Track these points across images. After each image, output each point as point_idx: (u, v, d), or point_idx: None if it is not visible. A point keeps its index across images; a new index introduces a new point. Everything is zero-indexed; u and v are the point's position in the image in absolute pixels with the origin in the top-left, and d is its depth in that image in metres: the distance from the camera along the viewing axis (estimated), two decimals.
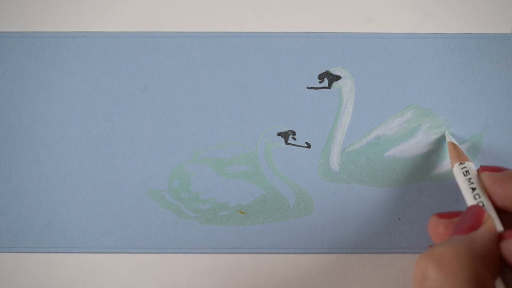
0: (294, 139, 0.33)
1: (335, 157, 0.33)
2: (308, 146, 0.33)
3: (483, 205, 0.26)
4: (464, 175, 0.28)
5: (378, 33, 0.33)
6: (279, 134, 0.33)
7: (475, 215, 0.24)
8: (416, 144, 0.33)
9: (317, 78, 0.33)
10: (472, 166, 0.29)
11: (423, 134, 0.33)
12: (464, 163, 0.29)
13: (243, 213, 0.34)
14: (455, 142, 0.31)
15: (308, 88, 0.33)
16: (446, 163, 0.33)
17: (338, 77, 0.33)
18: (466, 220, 0.24)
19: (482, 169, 0.27)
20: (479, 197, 0.26)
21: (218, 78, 0.33)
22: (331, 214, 0.33)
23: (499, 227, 0.24)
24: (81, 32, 0.33)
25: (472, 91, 0.33)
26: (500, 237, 0.23)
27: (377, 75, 0.33)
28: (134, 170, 0.33)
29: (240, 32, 0.33)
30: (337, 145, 0.33)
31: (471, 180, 0.27)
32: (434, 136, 0.33)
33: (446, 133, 0.33)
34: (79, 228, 0.34)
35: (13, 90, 0.33)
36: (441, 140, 0.33)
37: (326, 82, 0.33)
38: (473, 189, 0.27)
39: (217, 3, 0.33)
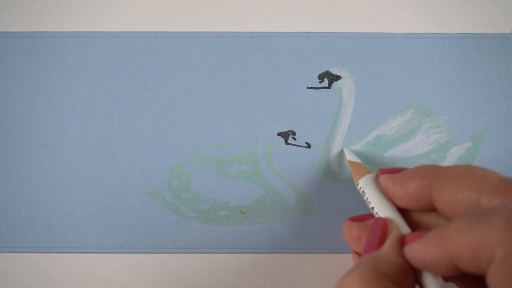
0: (294, 139, 0.33)
1: (335, 157, 0.33)
2: (308, 146, 0.33)
3: (388, 214, 0.26)
4: (364, 191, 0.28)
5: (378, 33, 0.33)
6: (279, 134, 0.33)
7: (380, 229, 0.24)
8: (416, 144, 0.33)
9: (317, 78, 0.33)
10: (371, 178, 0.28)
11: (423, 134, 0.33)
12: (359, 181, 0.28)
13: (243, 213, 0.34)
14: (351, 159, 0.31)
15: (308, 88, 0.33)
16: (446, 162, 0.33)
17: (338, 77, 0.33)
18: (372, 235, 0.24)
19: (381, 173, 0.27)
20: (382, 205, 0.26)
21: (218, 78, 0.33)
22: (331, 214, 0.33)
23: (406, 230, 0.24)
24: (81, 32, 0.33)
25: (472, 91, 0.33)
26: (403, 243, 0.23)
27: (377, 75, 0.33)
28: (134, 170, 0.33)
29: (240, 32, 0.33)
30: (337, 145, 0.33)
31: (371, 193, 0.27)
32: (434, 136, 0.33)
33: (344, 149, 0.33)
34: (79, 228, 0.34)
35: (13, 90, 0.33)
36: (441, 140, 0.33)
37: (326, 82, 0.33)
38: (375, 198, 0.27)
39: (217, 3, 0.33)
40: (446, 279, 0.23)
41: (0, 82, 0.33)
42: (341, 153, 0.33)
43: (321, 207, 0.33)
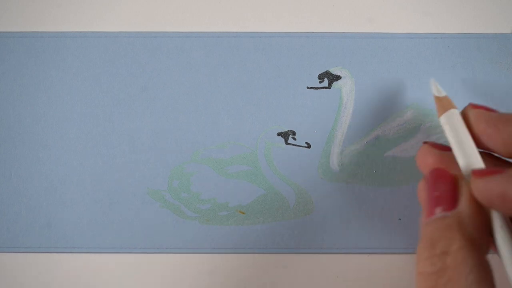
0: (294, 139, 0.33)
1: (335, 157, 0.33)
2: (308, 146, 0.33)
3: (469, 153, 0.24)
4: (445, 127, 0.26)
5: (378, 33, 0.33)
6: (279, 134, 0.33)
7: (450, 186, 0.23)
8: (416, 144, 0.33)
9: (317, 78, 0.33)
10: (455, 113, 0.26)
11: (423, 134, 0.33)
12: (441, 116, 0.27)
13: (243, 213, 0.34)
14: (437, 93, 0.28)
15: (308, 88, 0.33)
16: None
17: (338, 77, 0.33)
18: (443, 190, 0.23)
19: (472, 106, 0.26)
20: (465, 143, 0.25)
21: (218, 78, 0.33)
22: (331, 214, 0.33)
23: (481, 164, 0.23)
24: (81, 32, 0.33)
25: (472, 91, 0.33)
26: (474, 175, 0.22)
27: (377, 75, 0.33)
28: (134, 170, 0.33)
29: (240, 32, 0.33)
30: (337, 145, 0.33)
31: (457, 126, 0.25)
32: (434, 136, 0.33)
33: (431, 81, 0.29)
34: (79, 228, 0.34)
35: (13, 90, 0.33)
36: (441, 140, 0.33)
37: (326, 82, 0.33)
38: (458, 136, 0.25)
39: (217, 3, 0.33)
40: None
41: (0, 82, 0.33)
42: (341, 153, 0.33)
43: (321, 207, 0.33)
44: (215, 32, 0.33)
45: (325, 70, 0.33)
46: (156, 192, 0.33)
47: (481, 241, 0.21)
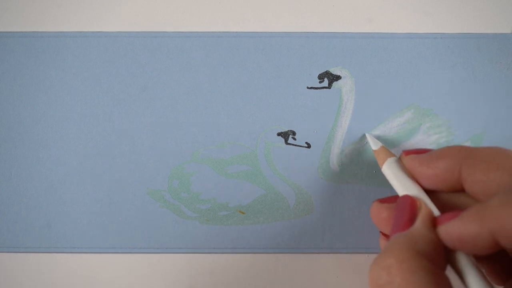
0: (294, 139, 0.33)
1: (335, 157, 0.33)
2: (308, 146, 0.33)
3: (415, 194, 0.25)
4: (388, 175, 0.27)
5: (378, 33, 0.33)
6: (279, 134, 0.33)
7: (408, 207, 0.24)
8: (416, 144, 0.33)
9: (317, 78, 0.33)
10: (394, 161, 0.28)
11: (423, 134, 0.33)
12: (383, 166, 0.28)
13: (243, 213, 0.34)
14: (376, 146, 0.30)
15: (308, 88, 0.33)
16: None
17: (338, 77, 0.33)
18: (401, 214, 0.24)
19: (405, 154, 0.27)
20: (409, 186, 0.26)
21: (218, 78, 0.33)
22: (331, 214, 0.33)
23: (436, 212, 0.24)
24: (81, 32, 0.33)
25: (472, 91, 0.33)
26: (436, 223, 0.23)
27: (377, 75, 0.33)
28: (134, 170, 0.33)
29: (240, 32, 0.33)
30: (337, 145, 0.33)
31: (398, 173, 0.27)
32: (434, 136, 0.33)
33: (367, 135, 0.32)
34: (79, 228, 0.34)
35: (13, 90, 0.33)
36: (441, 140, 0.33)
37: (326, 82, 0.33)
38: (402, 180, 0.26)
39: (217, 3, 0.33)
40: (478, 260, 0.23)
41: (0, 82, 0.33)
42: (341, 153, 0.33)
43: (321, 207, 0.33)
44: (215, 32, 0.33)
45: (325, 70, 0.33)
46: (156, 192, 0.33)
47: (433, 256, 0.22)
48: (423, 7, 0.33)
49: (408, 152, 0.27)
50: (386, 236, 0.27)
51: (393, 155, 0.28)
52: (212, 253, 0.34)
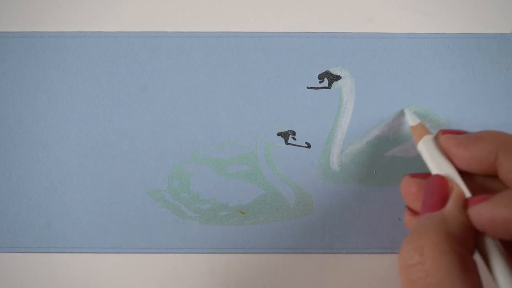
0: (294, 139, 0.33)
1: (335, 157, 0.33)
2: (308, 146, 0.33)
3: (448, 173, 0.25)
4: (423, 152, 0.27)
5: (378, 33, 0.33)
6: (279, 134, 0.33)
7: (440, 187, 0.24)
8: (416, 144, 0.33)
9: (317, 78, 0.33)
10: (430, 138, 0.28)
11: None
12: (419, 144, 0.28)
13: (243, 213, 0.34)
14: (413, 122, 0.30)
15: (308, 88, 0.33)
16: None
17: (338, 77, 0.33)
18: (432, 193, 0.24)
19: (442, 132, 0.27)
20: (443, 165, 0.26)
21: (218, 78, 0.33)
22: (331, 214, 0.33)
23: (467, 194, 0.24)
24: (81, 32, 0.33)
25: (472, 91, 0.33)
26: (467, 205, 0.23)
27: (377, 75, 0.33)
28: (134, 170, 0.33)
29: (240, 32, 0.33)
30: (337, 145, 0.33)
31: (433, 151, 0.26)
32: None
33: (405, 111, 0.32)
34: (79, 228, 0.34)
35: (13, 90, 0.33)
36: None
37: (326, 82, 0.33)
38: (436, 159, 0.26)
39: (217, 3, 0.33)
40: (506, 246, 0.23)
41: (0, 82, 0.33)
42: (341, 153, 0.33)
43: (321, 207, 0.33)
44: (215, 32, 0.33)
45: (325, 70, 0.33)
46: (156, 192, 0.33)
47: (464, 239, 0.22)
48: (423, 7, 0.33)
49: (445, 132, 0.27)
50: (412, 211, 0.27)
51: (430, 133, 0.28)
52: (212, 253, 0.34)
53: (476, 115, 0.33)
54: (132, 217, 0.33)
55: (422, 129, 0.29)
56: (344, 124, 0.33)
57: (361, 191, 0.33)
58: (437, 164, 0.26)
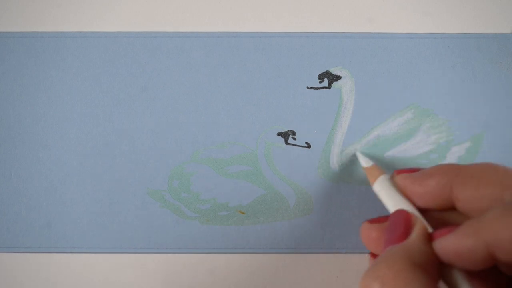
0: (294, 139, 0.33)
1: (335, 157, 0.33)
2: (308, 146, 0.33)
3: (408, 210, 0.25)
4: (380, 193, 0.28)
5: (378, 33, 0.33)
6: (279, 134, 0.33)
7: (403, 220, 0.24)
8: (416, 144, 0.33)
9: (317, 78, 0.33)
10: (386, 179, 0.28)
11: (423, 134, 0.33)
12: (375, 184, 0.28)
13: (243, 213, 0.34)
14: (367, 164, 0.31)
15: (308, 88, 0.33)
16: (446, 162, 0.33)
17: (338, 77, 0.33)
18: (395, 227, 0.24)
19: (397, 173, 0.27)
20: (402, 203, 0.26)
21: (218, 78, 0.33)
22: (331, 214, 0.33)
23: (429, 229, 0.24)
24: (81, 32, 0.33)
25: (472, 91, 0.33)
26: (430, 238, 0.23)
27: (377, 75, 0.33)
28: (134, 170, 0.33)
29: (240, 32, 0.33)
30: (337, 145, 0.33)
31: (390, 191, 0.27)
32: (434, 136, 0.33)
33: (357, 154, 0.32)
34: (79, 228, 0.34)
35: (13, 90, 0.33)
36: (441, 140, 0.33)
37: (326, 82, 0.33)
38: (394, 198, 0.27)
39: (217, 3, 0.33)
40: (471, 277, 0.23)
41: (0, 82, 0.33)
42: (341, 153, 0.33)
43: (321, 207, 0.33)
44: (215, 32, 0.33)
45: (325, 70, 0.33)
46: (156, 192, 0.34)
47: (429, 268, 0.22)
48: (423, 7, 0.33)
49: (400, 171, 0.27)
50: (375, 256, 0.27)
51: (385, 173, 0.29)
52: (212, 253, 0.34)
53: (476, 115, 0.33)
54: (132, 217, 0.33)
55: (376, 170, 0.29)
56: (344, 124, 0.33)
57: (361, 191, 0.33)
58: (395, 202, 0.26)
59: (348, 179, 0.33)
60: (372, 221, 0.27)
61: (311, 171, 0.33)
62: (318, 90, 0.33)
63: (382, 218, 0.27)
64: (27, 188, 0.33)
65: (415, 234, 0.23)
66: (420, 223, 0.24)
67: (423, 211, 0.26)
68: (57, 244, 0.34)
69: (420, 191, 0.25)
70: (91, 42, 0.33)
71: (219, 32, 0.33)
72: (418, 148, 0.33)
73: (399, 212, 0.25)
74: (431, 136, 0.33)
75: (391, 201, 0.27)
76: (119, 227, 0.33)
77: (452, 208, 0.25)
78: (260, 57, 0.33)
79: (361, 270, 0.33)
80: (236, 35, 0.33)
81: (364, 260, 0.34)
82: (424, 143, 0.33)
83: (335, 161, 0.33)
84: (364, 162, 0.31)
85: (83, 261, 0.34)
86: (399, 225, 0.24)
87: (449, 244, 0.22)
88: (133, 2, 0.34)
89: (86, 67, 0.33)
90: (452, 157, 0.33)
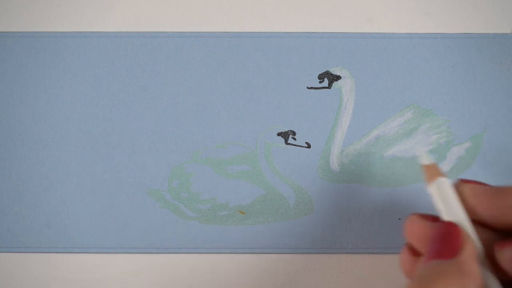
0: (294, 139, 0.33)
1: (335, 157, 0.33)
2: (308, 146, 0.33)
3: (462, 221, 0.25)
4: (439, 195, 0.27)
5: (378, 33, 0.33)
6: (279, 134, 0.33)
7: (453, 235, 0.24)
8: (416, 144, 0.33)
9: (317, 78, 0.33)
10: (448, 182, 0.27)
11: (423, 134, 0.33)
12: (438, 179, 0.27)
13: (243, 213, 0.34)
14: (427, 161, 0.30)
15: (308, 88, 0.33)
16: (446, 162, 0.33)
17: (338, 77, 0.33)
18: (443, 239, 0.24)
19: (464, 182, 0.27)
20: (458, 214, 0.25)
21: (218, 78, 0.33)
22: (331, 214, 0.33)
23: (478, 245, 0.24)
24: (81, 32, 0.33)
25: (472, 91, 0.33)
26: (498, 247, 0.23)
27: (377, 75, 0.33)
28: (134, 170, 0.33)
29: (240, 32, 0.33)
30: (337, 145, 0.33)
31: (447, 197, 0.26)
32: (434, 136, 0.33)
33: (420, 149, 0.32)
34: (79, 228, 0.34)
35: (13, 90, 0.33)
36: (441, 140, 0.33)
37: (326, 82, 0.33)
38: (450, 205, 0.26)
39: (217, 3, 0.33)
40: None
41: (0, 82, 0.33)
42: (341, 153, 0.33)
43: (321, 207, 0.33)
44: (215, 32, 0.33)
45: (325, 70, 0.33)
46: (156, 192, 0.34)
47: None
48: (423, 7, 0.33)
49: (467, 181, 0.26)
50: (413, 251, 0.27)
51: (444, 175, 0.27)
52: (212, 253, 0.34)
53: (476, 115, 0.33)
54: (132, 217, 0.33)
55: (436, 170, 0.28)
56: (344, 124, 0.33)
57: (361, 191, 0.33)
58: (451, 210, 0.26)
59: (348, 179, 0.33)
60: (422, 216, 0.26)
61: (311, 171, 0.33)
62: (318, 90, 0.33)
63: (434, 217, 0.26)
64: (27, 188, 0.33)
65: (467, 254, 0.23)
66: (471, 242, 0.24)
67: (480, 225, 0.25)
68: (57, 244, 0.34)
69: (491, 205, 0.25)
70: (91, 42, 0.33)
71: (219, 32, 0.33)
72: (418, 148, 0.33)
73: (450, 225, 0.25)
74: (431, 136, 0.33)
75: (447, 207, 0.26)
76: (119, 227, 0.33)
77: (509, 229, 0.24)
78: (260, 57, 0.33)
79: (361, 270, 0.33)
80: (236, 35, 0.33)
81: (364, 260, 0.34)
82: (424, 143, 0.33)
83: (335, 161, 0.33)
84: (425, 159, 0.30)
85: (83, 261, 0.34)
86: (448, 238, 0.24)
87: None
88: (133, 2, 0.34)
89: (86, 67, 0.33)
90: (452, 157, 0.33)
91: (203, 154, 0.33)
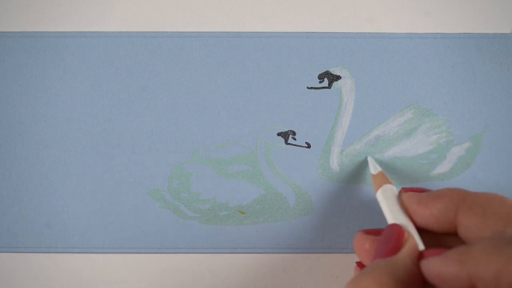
0: (294, 139, 0.33)
1: (335, 157, 0.33)
2: (308, 146, 0.33)
3: (404, 225, 0.26)
4: (382, 202, 0.28)
5: (378, 33, 0.33)
6: (279, 134, 0.33)
7: (396, 235, 0.25)
8: (416, 144, 0.33)
9: (317, 78, 0.33)
10: (393, 188, 0.28)
11: (423, 134, 0.33)
12: (383, 186, 0.29)
13: (243, 213, 0.34)
14: (375, 171, 0.31)
15: (308, 88, 0.33)
16: (446, 162, 0.33)
17: (338, 77, 0.33)
18: (386, 241, 0.24)
19: (404, 190, 0.28)
20: (400, 217, 0.26)
21: (218, 78, 0.33)
22: (331, 214, 0.33)
23: (421, 246, 0.24)
24: (81, 32, 0.33)
25: (472, 91, 0.33)
26: (420, 256, 0.23)
27: (377, 75, 0.33)
28: (134, 170, 0.33)
29: (240, 32, 0.33)
30: (337, 145, 0.33)
31: (391, 202, 0.27)
32: (434, 136, 0.33)
33: (368, 159, 0.33)
34: (79, 228, 0.34)
35: (13, 90, 0.33)
36: (441, 140, 0.33)
37: (326, 82, 0.33)
38: (394, 210, 0.27)
39: (217, 3, 0.33)
40: None
41: (0, 82, 0.33)
42: (341, 153, 0.33)
43: (321, 207, 0.33)
44: (215, 32, 0.33)
45: (325, 70, 0.33)
46: (156, 192, 0.34)
47: (413, 286, 0.22)
48: (423, 7, 0.33)
49: (408, 189, 0.27)
50: (362, 266, 0.27)
51: (390, 183, 0.29)
52: (212, 253, 0.34)
53: (476, 115, 0.33)
54: (132, 217, 0.33)
55: (382, 178, 0.30)
56: (344, 124, 0.33)
57: (361, 191, 0.33)
58: (394, 215, 0.26)
59: (348, 179, 0.33)
60: (367, 232, 0.27)
61: (311, 171, 0.33)
62: (318, 90, 0.33)
63: (378, 231, 0.27)
64: (27, 188, 0.33)
65: (405, 251, 0.23)
66: (412, 241, 0.24)
67: (422, 230, 0.26)
68: (57, 244, 0.34)
69: (424, 212, 0.25)
70: (91, 42, 0.33)
71: (219, 32, 0.33)
72: (418, 148, 0.33)
73: (393, 226, 0.25)
74: (431, 136, 0.33)
75: (390, 213, 0.27)
76: (119, 227, 0.33)
77: (453, 232, 0.25)
78: (260, 57, 0.33)
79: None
80: (236, 35, 0.33)
81: None
82: (424, 143, 0.33)
83: (335, 161, 0.33)
84: (372, 169, 0.31)
85: (83, 261, 0.34)
86: (390, 239, 0.24)
87: (434, 267, 0.22)
88: (133, 2, 0.34)
89: (86, 67, 0.33)
90: (452, 157, 0.33)
91: (203, 154, 0.33)
